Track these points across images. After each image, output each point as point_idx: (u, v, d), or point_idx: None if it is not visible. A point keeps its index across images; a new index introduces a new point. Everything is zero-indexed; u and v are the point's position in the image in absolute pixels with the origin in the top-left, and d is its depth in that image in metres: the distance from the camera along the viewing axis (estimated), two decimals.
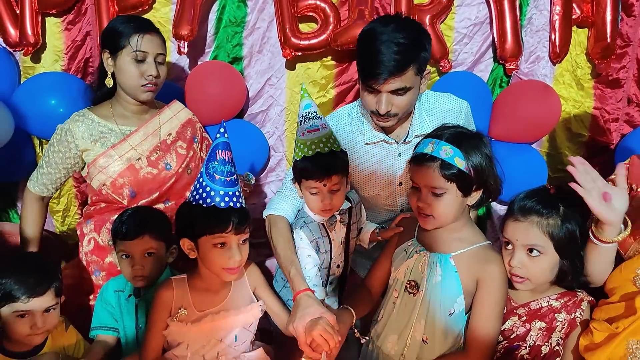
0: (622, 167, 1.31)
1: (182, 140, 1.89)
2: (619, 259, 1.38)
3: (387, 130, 1.74)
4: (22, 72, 2.25)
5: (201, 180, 1.39)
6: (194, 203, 1.39)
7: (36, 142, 2.27)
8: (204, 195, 1.37)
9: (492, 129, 2.25)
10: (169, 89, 2.14)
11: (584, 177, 1.27)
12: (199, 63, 2.28)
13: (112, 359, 1.52)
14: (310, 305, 1.44)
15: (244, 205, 1.43)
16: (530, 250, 1.38)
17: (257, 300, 1.57)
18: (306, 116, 1.53)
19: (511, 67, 2.21)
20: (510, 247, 1.43)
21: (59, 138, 1.78)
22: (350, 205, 1.68)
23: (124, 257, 1.63)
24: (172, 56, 2.23)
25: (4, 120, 1.98)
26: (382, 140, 1.75)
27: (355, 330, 1.54)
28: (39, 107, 2.07)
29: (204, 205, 1.36)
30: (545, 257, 1.38)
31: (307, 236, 1.61)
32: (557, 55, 2.23)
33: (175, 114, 1.92)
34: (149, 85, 1.75)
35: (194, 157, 1.91)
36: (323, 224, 1.64)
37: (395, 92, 1.56)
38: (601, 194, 1.25)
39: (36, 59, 2.24)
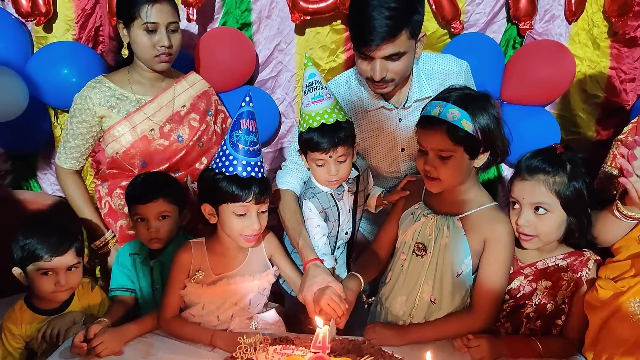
0: None
1: (196, 113, 1.90)
2: None
3: (386, 96, 1.72)
4: (34, 42, 2.27)
5: (224, 148, 1.41)
6: (216, 170, 1.42)
7: (51, 111, 2.31)
8: (227, 163, 1.39)
9: (504, 91, 2.22)
10: (179, 56, 2.14)
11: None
12: (208, 30, 2.28)
13: (131, 317, 1.57)
14: (317, 274, 1.48)
15: (265, 175, 1.45)
16: (537, 208, 1.39)
17: (272, 266, 1.61)
18: (310, 86, 1.52)
19: (525, 27, 2.16)
20: (517, 206, 1.44)
21: (79, 107, 1.80)
22: (357, 173, 1.69)
23: (139, 220, 1.68)
24: (181, 23, 2.21)
25: (18, 90, 2.02)
26: (381, 107, 1.74)
27: (363, 296, 1.56)
28: (52, 76, 2.10)
29: (226, 174, 1.39)
30: (553, 215, 1.39)
31: (316, 207, 1.63)
32: (573, 13, 2.17)
33: (191, 86, 1.93)
34: (163, 55, 1.75)
35: (207, 130, 1.91)
36: (331, 194, 1.65)
37: (389, 57, 1.54)
38: None
39: (48, 28, 2.25)
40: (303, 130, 1.54)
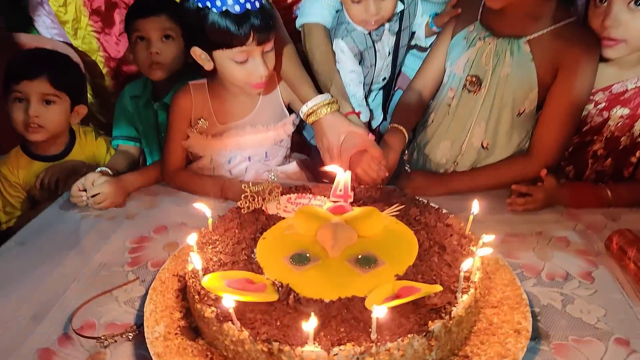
0: None
1: None
2: None
3: None
4: None
5: None
6: (199, 4, 1.11)
7: None
8: None
9: None
10: None
11: None
12: None
13: (136, 167, 1.50)
14: (355, 136, 1.26)
15: (264, 3, 1.14)
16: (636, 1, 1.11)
17: (290, 115, 1.40)
18: None
19: None
20: (604, 2, 1.15)
21: None
22: (402, 7, 1.39)
23: (139, 40, 1.46)
24: None
25: None
26: None
27: (406, 153, 1.43)
28: None
29: (214, 10, 1.09)
30: None
31: (350, 48, 1.38)
32: None
33: None
34: None
35: None
36: (369, 33, 1.39)
37: None
38: None
39: None
40: None
